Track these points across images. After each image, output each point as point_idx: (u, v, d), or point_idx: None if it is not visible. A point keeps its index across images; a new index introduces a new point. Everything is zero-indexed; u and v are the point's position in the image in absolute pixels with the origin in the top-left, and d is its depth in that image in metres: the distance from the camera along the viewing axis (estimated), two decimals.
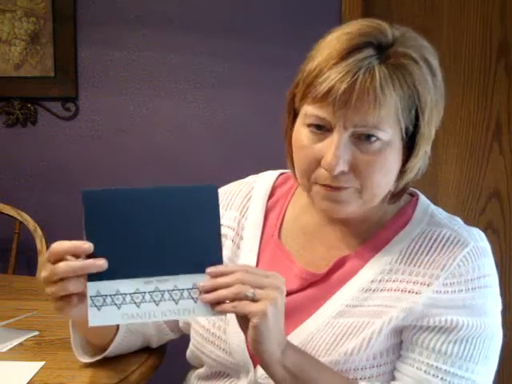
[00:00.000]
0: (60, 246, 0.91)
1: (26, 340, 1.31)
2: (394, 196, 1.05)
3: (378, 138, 0.96)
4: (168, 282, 0.91)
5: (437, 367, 1.00)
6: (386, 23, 1.00)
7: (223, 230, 1.15)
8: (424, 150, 1.01)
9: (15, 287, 1.74)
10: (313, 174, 0.99)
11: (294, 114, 1.04)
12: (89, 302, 0.89)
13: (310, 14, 2.30)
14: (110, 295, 0.90)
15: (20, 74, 2.42)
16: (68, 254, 0.90)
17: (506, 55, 2.31)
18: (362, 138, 0.96)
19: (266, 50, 2.33)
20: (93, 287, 0.89)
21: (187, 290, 0.92)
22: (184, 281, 0.92)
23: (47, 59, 2.40)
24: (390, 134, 0.96)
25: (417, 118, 0.98)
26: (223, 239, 1.14)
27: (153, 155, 2.43)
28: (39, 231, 2.15)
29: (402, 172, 1.02)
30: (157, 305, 0.91)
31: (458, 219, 1.09)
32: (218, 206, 0.94)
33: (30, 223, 2.18)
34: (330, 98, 0.94)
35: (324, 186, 0.99)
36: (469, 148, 2.35)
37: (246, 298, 0.90)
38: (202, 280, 0.92)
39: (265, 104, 2.33)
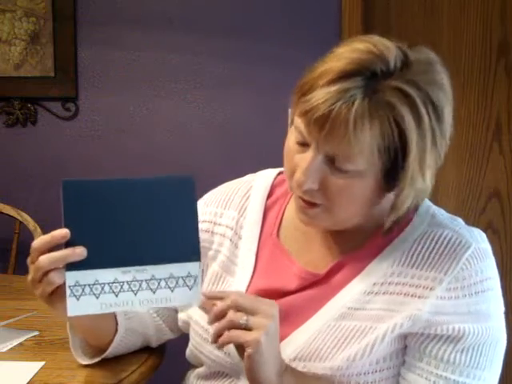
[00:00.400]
0: (39, 241, 0.92)
1: (25, 340, 1.31)
2: (387, 230, 1.02)
3: (348, 170, 0.94)
4: (145, 272, 0.93)
5: (446, 377, 0.99)
6: (398, 47, 0.95)
7: (222, 230, 1.15)
8: (412, 189, 0.96)
9: (15, 287, 1.74)
10: (292, 180, 1.00)
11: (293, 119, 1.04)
12: (67, 291, 0.90)
13: (309, 14, 2.30)
14: (89, 285, 0.91)
15: (20, 74, 2.42)
16: (48, 247, 0.91)
17: (505, 55, 2.31)
18: (335, 162, 0.95)
19: (266, 50, 2.33)
20: (71, 277, 0.90)
21: (164, 279, 0.93)
22: (161, 271, 0.93)
23: (47, 59, 2.40)
24: (362, 167, 0.94)
25: (396, 157, 0.93)
26: (222, 238, 1.15)
27: (153, 155, 2.43)
28: (39, 231, 2.15)
29: (391, 208, 0.99)
30: (135, 294, 0.93)
31: (459, 220, 1.08)
32: (194, 196, 0.95)
33: (30, 223, 2.18)
34: (309, 117, 0.93)
35: (299, 196, 1.00)
36: (469, 148, 2.36)
37: (239, 325, 0.91)
38: (179, 270, 0.94)
39: (265, 104, 2.33)
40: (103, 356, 1.15)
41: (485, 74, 2.32)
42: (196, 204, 0.95)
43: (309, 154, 0.96)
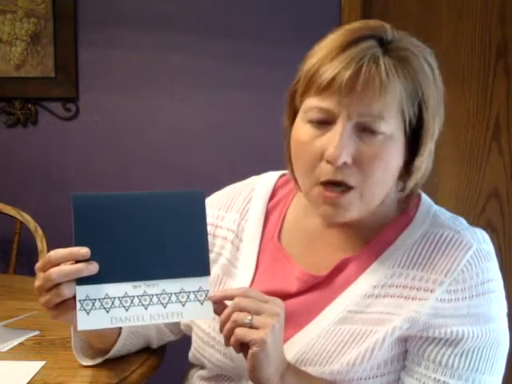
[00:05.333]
0: (55, 254, 0.91)
1: (26, 339, 1.31)
2: (405, 199, 1.04)
3: (380, 132, 0.95)
4: (156, 287, 0.93)
5: (444, 381, 0.98)
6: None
7: (223, 233, 1.15)
8: (429, 148, 1.00)
9: (16, 287, 1.74)
10: (314, 171, 0.98)
11: (294, 113, 1.03)
12: (78, 305, 0.90)
13: (310, 14, 2.30)
14: (99, 299, 0.91)
15: (21, 75, 2.42)
16: (64, 261, 0.91)
17: (504, 56, 2.31)
18: (366, 130, 0.95)
19: (266, 50, 2.33)
20: (82, 291, 0.90)
21: (175, 294, 0.94)
22: (172, 285, 0.93)
23: (48, 59, 2.41)
24: (393, 127, 0.95)
25: (420, 112, 0.97)
26: (223, 241, 1.14)
27: (153, 155, 2.43)
28: (40, 231, 2.15)
29: (410, 171, 1.00)
30: (145, 308, 0.93)
31: (462, 220, 1.07)
32: (204, 211, 0.95)
33: (31, 223, 2.18)
34: (335, 85, 0.93)
35: (325, 185, 0.97)
36: (468, 148, 2.36)
37: (243, 325, 0.91)
38: (190, 284, 0.94)
39: (265, 104, 2.33)
40: (105, 357, 1.16)
41: (484, 75, 2.32)
42: (206, 219, 0.95)
43: (338, 126, 0.95)
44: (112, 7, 2.39)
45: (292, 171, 1.06)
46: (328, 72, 0.94)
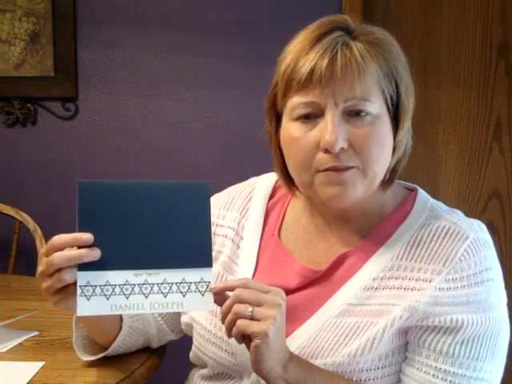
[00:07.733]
0: (60, 239, 0.92)
1: (25, 340, 1.31)
2: (388, 179, 1.05)
3: (367, 113, 0.97)
4: (157, 276, 0.93)
5: (445, 370, 0.98)
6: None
7: (224, 231, 1.16)
8: (407, 125, 1.03)
9: (15, 287, 1.74)
10: (312, 163, 0.99)
11: (277, 118, 1.06)
12: (78, 291, 0.90)
13: (310, 14, 2.29)
14: (100, 285, 0.91)
15: (20, 74, 2.42)
16: (67, 246, 0.91)
17: (505, 56, 2.31)
18: (353, 115, 0.98)
19: (266, 50, 2.32)
20: (83, 277, 0.91)
21: (176, 284, 0.94)
22: (173, 275, 0.93)
23: (47, 59, 2.40)
24: (378, 106, 0.98)
25: (397, 90, 1.00)
26: (224, 239, 1.15)
27: (152, 155, 2.43)
28: (39, 231, 2.15)
29: (393, 147, 1.03)
30: (146, 297, 0.93)
31: (459, 212, 1.08)
32: (208, 202, 0.96)
33: (30, 223, 2.18)
34: (315, 76, 0.96)
35: (327, 170, 0.98)
36: (469, 148, 2.36)
37: (244, 316, 0.91)
38: (192, 275, 0.94)
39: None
40: (105, 353, 1.16)
41: (485, 75, 2.32)
42: (210, 211, 0.96)
43: (328, 116, 0.97)
44: (112, 7, 2.38)
45: (282, 176, 1.08)
46: (306, 65, 0.97)
